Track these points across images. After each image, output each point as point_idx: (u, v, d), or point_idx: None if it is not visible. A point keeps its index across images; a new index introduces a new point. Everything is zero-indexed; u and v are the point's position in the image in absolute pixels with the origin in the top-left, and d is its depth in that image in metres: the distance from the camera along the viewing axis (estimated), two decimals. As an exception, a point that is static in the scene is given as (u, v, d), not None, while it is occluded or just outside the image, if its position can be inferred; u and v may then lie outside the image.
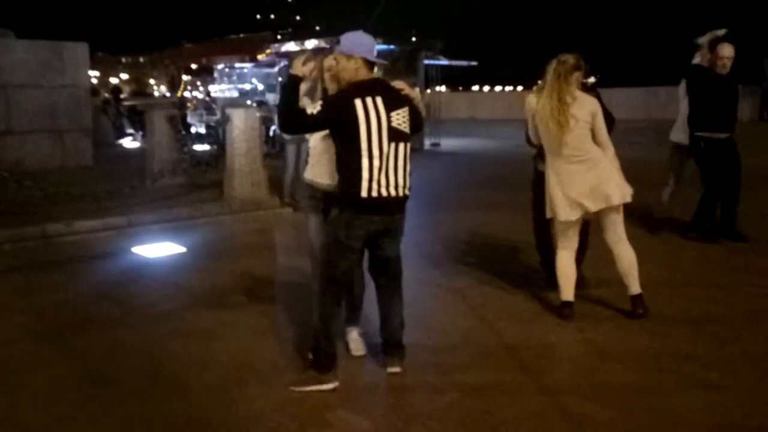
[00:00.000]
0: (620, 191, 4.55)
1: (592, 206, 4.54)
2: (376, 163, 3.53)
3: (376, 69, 3.74)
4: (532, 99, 4.74)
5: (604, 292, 5.13)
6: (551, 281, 5.03)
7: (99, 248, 6.73)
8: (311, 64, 3.67)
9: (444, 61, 19.71)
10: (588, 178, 4.52)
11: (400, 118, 3.62)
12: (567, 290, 4.68)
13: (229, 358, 4.08)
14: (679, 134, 7.12)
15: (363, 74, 3.65)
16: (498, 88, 56.09)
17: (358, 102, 3.52)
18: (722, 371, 3.82)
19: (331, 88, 3.88)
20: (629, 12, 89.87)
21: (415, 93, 3.92)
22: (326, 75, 3.89)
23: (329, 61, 3.86)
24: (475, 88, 56.30)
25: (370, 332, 4.21)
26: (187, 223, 7.67)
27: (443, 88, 38.13)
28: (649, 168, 7.89)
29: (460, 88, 49.68)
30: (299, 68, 3.60)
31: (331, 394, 3.60)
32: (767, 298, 5.13)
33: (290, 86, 3.60)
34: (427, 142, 18.25)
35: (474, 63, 23.81)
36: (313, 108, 3.56)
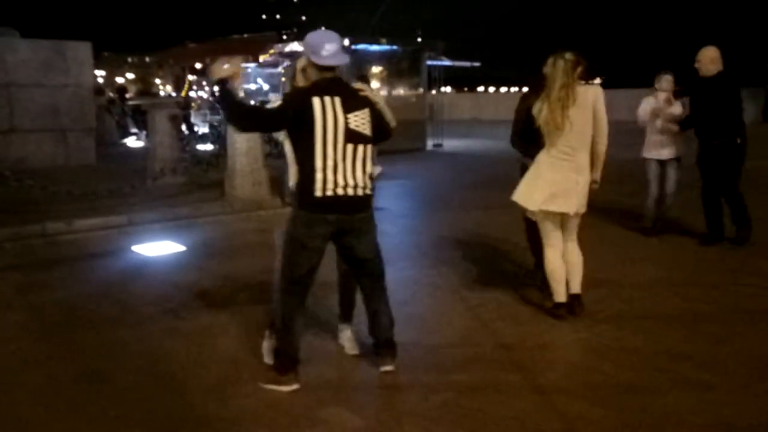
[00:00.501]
0: (583, 205, 4.61)
1: (563, 207, 4.57)
2: (330, 163, 3.50)
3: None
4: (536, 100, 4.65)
5: (599, 292, 5.14)
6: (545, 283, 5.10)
7: (99, 247, 6.77)
8: (230, 66, 3.60)
9: (447, 62, 19.74)
10: (567, 177, 4.54)
11: (359, 120, 3.57)
12: (559, 291, 4.69)
13: (226, 357, 4.11)
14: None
15: (313, 75, 3.61)
16: (503, 89, 56.12)
17: (316, 100, 3.48)
18: (715, 371, 3.84)
19: None
20: (632, 12, 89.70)
21: (378, 97, 3.86)
22: (299, 76, 3.82)
23: (302, 62, 3.82)
24: (481, 89, 56.36)
25: (364, 330, 4.23)
26: (188, 222, 7.71)
27: (448, 89, 38.25)
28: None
29: (465, 89, 49.74)
30: (219, 72, 3.55)
31: (325, 392, 3.63)
32: (763, 299, 5.16)
33: (222, 93, 3.54)
34: (430, 143, 18.31)
35: (477, 64, 23.88)
36: (272, 104, 3.56)
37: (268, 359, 3.87)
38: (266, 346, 3.96)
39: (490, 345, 4.29)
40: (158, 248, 6.78)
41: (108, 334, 4.48)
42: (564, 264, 4.71)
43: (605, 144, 4.60)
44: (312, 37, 3.64)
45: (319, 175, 3.50)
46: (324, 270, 3.89)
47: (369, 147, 3.63)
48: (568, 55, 4.50)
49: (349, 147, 3.54)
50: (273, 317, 3.90)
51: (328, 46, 3.56)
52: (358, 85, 3.84)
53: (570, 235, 4.76)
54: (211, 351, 4.20)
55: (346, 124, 3.52)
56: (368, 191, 3.66)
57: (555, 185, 4.54)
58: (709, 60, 6.45)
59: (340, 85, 3.62)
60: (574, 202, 4.56)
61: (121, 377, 3.83)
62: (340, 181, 3.53)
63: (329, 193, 3.52)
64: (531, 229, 5.34)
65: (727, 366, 3.91)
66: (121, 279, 5.78)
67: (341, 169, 3.52)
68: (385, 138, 3.89)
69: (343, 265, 4.09)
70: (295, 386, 3.64)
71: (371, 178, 3.69)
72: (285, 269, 3.70)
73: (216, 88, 3.58)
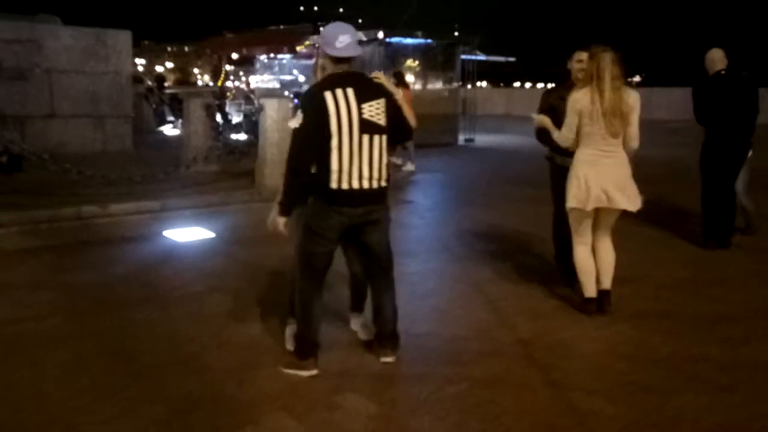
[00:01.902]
0: (635, 200, 4.57)
1: (616, 201, 4.54)
2: (345, 155, 3.52)
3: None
4: (578, 94, 4.58)
5: (622, 291, 5.11)
6: (566, 276, 5.10)
7: (132, 231, 6.93)
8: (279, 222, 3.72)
9: (482, 57, 19.64)
10: (617, 173, 4.53)
11: (373, 110, 3.58)
12: (589, 286, 4.69)
13: (247, 341, 4.21)
14: None
15: (330, 68, 3.64)
16: (539, 85, 55.59)
17: (328, 95, 3.51)
18: (732, 373, 3.81)
19: None
20: (669, 11, 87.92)
21: (395, 89, 3.87)
22: (318, 73, 3.86)
23: (321, 60, 3.84)
24: (516, 84, 55.93)
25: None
26: (218, 209, 7.83)
27: (484, 84, 38.00)
28: (688, 169, 7.72)
29: (501, 84, 49.43)
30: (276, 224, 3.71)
31: (343, 378, 3.69)
32: (787, 303, 5.08)
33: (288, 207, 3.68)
34: (462, 138, 18.26)
35: (512, 59, 23.68)
36: (295, 122, 3.58)
37: (289, 345, 3.95)
38: (288, 332, 4.05)
39: (508, 339, 4.32)
40: (188, 234, 6.93)
41: (135, 315, 4.62)
42: (593, 260, 4.71)
43: (635, 148, 4.60)
44: (327, 29, 3.68)
45: (335, 167, 3.54)
46: (339, 260, 3.97)
47: (384, 137, 3.65)
48: (608, 51, 4.46)
49: (365, 138, 3.56)
50: (292, 304, 3.98)
51: (341, 38, 3.58)
52: (375, 74, 3.87)
53: (605, 232, 4.74)
54: (233, 335, 4.31)
55: (360, 114, 3.54)
56: (383, 183, 3.68)
57: (600, 182, 4.51)
58: (715, 59, 6.50)
59: (353, 77, 3.64)
60: (624, 197, 4.53)
61: (144, 357, 3.95)
62: (355, 173, 3.56)
63: (344, 186, 3.56)
64: (559, 221, 5.33)
65: (746, 369, 3.88)
66: (151, 263, 5.92)
67: (357, 160, 3.55)
68: (404, 137, 3.89)
69: (352, 253, 4.12)
70: (314, 371, 3.71)
71: (388, 168, 3.72)
72: (301, 258, 3.77)
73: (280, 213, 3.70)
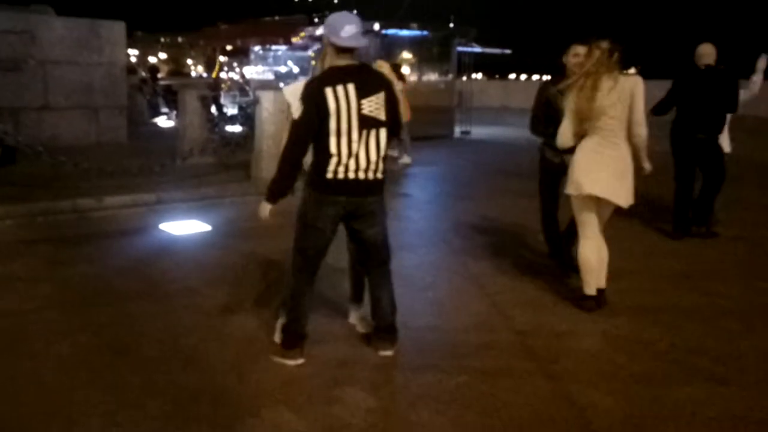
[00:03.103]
0: (630, 196, 4.58)
1: (611, 194, 4.54)
2: (344, 149, 3.54)
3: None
4: (570, 92, 4.58)
5: (621, 284, 5.14)
6: (564, 269, 5.14)
7: (128, 224, 6.91)
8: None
9: (477, 49, 19.59)
10: (617, 165, 4.52)
11: (373, 105, 3.57)
12: (590, 283, 4.67)
13: (246, 334, 4.21)
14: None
15: (332, 57, 3.61)
16: (536, 77, 55.54)
17: (328, 90, 3.50)
18: (730, 365, 3.84)
19: None
20: (665, 2, 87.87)
21: (395, 80, 3.86)
22: (320, 63, 3.84)
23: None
24: (512, 76, 55.85)
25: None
26: (214, 201, 7.82)
27: (479, 76, 37.90)
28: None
29: (497, 76, 49.33)
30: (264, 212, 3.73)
31: (341, 372, 3.70)
32: (784, 296, 5.11)
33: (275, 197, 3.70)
34: (458, 130, 18.23)
35: (507, 51, 23.61)
36: (295, 112, 3.58)
37: (277, 337, 3.96)
38: (278, 324, 4.04)
39: (506, 332, 4.33)
40: (185, 227, 6.91)
41: (133, 308, 4.61)
42: (596, 256, 4.69)
43: (643, 133, 4.56)
44: (333, 18, 3.64)
45: (333, 159, 3.56)
46: (335, 254, 3.97)
47: (383, 131, 3.64)
48: (604, 44, 4.46)
49: (364, 132, 3.57)
50: (284, 295, 3.98)
51: (348, 28, 3.54)
52: (379, 62, 3.86)
53: (600, 227, 4.73)
54: (231, 327, 4.31)
55: (360, 110, 3.53)
56: (380, 175, 3.69)
57: (601, 171, 4.51)
58: (703, 53, 6.55)
59: (354, 70, 3.61)
60: (621, 191, 4.53)
61: (143, 350, 3.95)
62: (352, 165, 3.58)
63: (340, 176, 3.57)
64: (547, 218, 5.36)
65: (743, 361, 3.91)
66: (148, 256, 5.91)
67: (354, 153, 3.57)
68: (393, 132, 3.82)
69: (351, 245, 4.13)
70: (300, 360, 3.77)
71: (384, 161, 3.72)
72: (296, 248, 3.79)
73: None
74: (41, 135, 10.35)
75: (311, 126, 3.55)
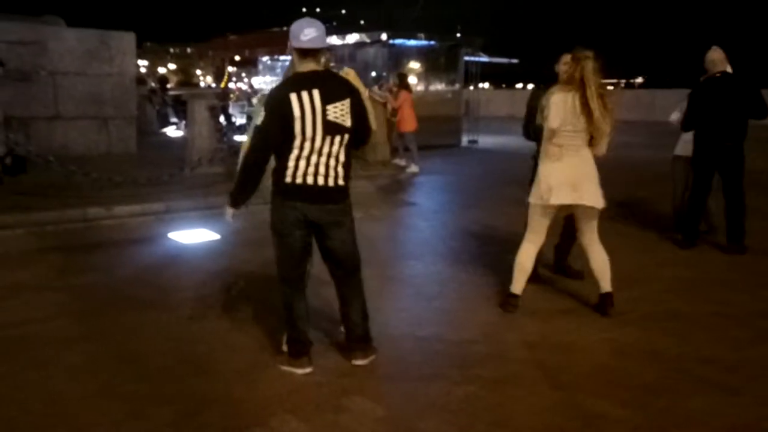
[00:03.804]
0: (598, 196, 4.59)
1: (579, 198, 4.56)
2: (305, 153, 3.54)
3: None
4: (557, 94, 4.59)
5: (630, 293, 5.12)
6: (571, 275, 5.23)
7: (137, 233, 6.94)
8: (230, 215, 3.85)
9: (484, 58, 19.63)
10: (581, 170, 4.56)
11: (338, 111, 3.56)
12: (519, 283, 4.78)
13: (254, 342, 4.22)
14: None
15: (297, 63, 3.61)
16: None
17: (293, 96, 3.49)
18: (740, 375, 3.81)
19: None
20: (671, 12, 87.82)
21: (362, 87, 3.87)
22: (289, 72, 3.86)
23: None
24: (519, 85, 55.84)
25: (380, 320, 4.31)
26: (222, 211, 7.82)
27: (486, 85, 37.96)
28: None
29: (504, 85, 49.39)
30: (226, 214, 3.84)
31: (350, 381, 3.70)
32: (794, 305, 5.07)
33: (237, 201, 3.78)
34: (465, 140, 18.26)
35: (514, 60, 23.63)
36: (258, 119, 3.58)
37: (285, 347, 3.94)
38: (285, 336, 4.00)
39: (515, 341, 4.32)
40: (193, 236, 6.94)
41: (142, 317, 4.62)
42: (534, 262, 4.83)
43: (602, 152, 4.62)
44: (295, 24, 3.63)
45: (291, 163, 3.56)
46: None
47: (347, 137, 3.63)
48: (590, 54, 4.49)
49: (327, 138, 3.56)
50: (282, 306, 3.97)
51: (307, 30, 3.55)
52: (345, 70, 3.88)
53: (591, 235, 4.72)
54: (240, 336, 4.31)
55: (324, 116, 3.53)
56: (341, 182, 3.67)
57: (563, 177, 4.54)
58: (712, 59, 6.46)
59: (319, 76, 3.60)
60: (585, 193, 4.55)
61: (151, 358, 3.96)
62: (311, 170, 3.58)
63: (299, 180, 3.57)
64: (568, 229, 5.36)
65: (753, 371, 3.88)
66: (157, 264, 5.93)
67: (314, 159, 3.57)
68: (362, 139, 3.78)
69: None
70: (308, 369, 3.77)
71: (347, 168, 3.70)
72: (276, 261, 3.83)
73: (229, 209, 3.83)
74: (52, 145, 10.42)
75: (274, 132, 3.54)
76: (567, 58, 4.99)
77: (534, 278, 5.10)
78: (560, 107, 4.48)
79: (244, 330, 4.42)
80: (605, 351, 4.23)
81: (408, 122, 12.74)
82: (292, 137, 3.53)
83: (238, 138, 14.47)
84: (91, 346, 4.10)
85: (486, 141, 18.38)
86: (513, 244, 6.89)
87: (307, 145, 3.54)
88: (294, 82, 3.60)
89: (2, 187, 7.61)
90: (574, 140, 4.53)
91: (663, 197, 8.29)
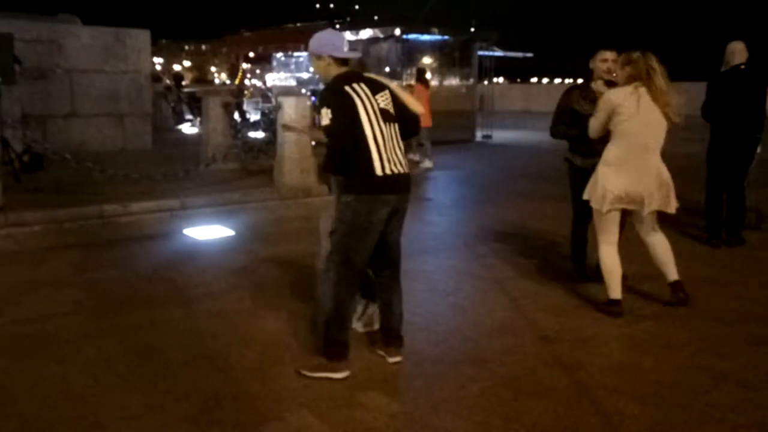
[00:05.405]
0: (673, 201, 4.58)
1: (654, 204, 4.52)
2: (380, 142, 3.60)
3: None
4: (615, 93, 4.54)
5: (646, 287, 5.09)
6: (581, 274, 5.24)
7: (153, 229, 6.98)
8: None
9: (499, 53, 19.54)
10: (657, 174, 4.53)
11: (386, 100, 3.71)
12: (615, 287, 4.62)
13: (269, 338, 4.23)
14: None
15: (334, 71, 3.73)
16: (557, 81, 55.22)
17: (348, 89, 3.61)
18: (759, 371, 3.77)
19: None
20: (687, 5, 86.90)
21: (393, 84, 3.94)
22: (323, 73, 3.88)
23: (321, 65, 3.87)
24: (534, 80, 55.60)
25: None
26: (238, 207, 7.86)
27: (501, 80, 37.82)
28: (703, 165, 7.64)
29: (518, 79, 49.14)
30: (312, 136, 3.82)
31: (364, 376, 3.70)
32: (816, 301, 5.02)
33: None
34: (479, 134, 18.20)
35: (529, 54, 23.53)
36: (326, 119, 3.57)
37: (320, 352, 3.83)
38: (321, 340, 3.91)
39: (530, 337, 4.30)
40: (208, 232, 6.97)
41: (158, 313, 4.65)
42: (619, 260, 4.64)
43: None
44: (329, 36, 3.77)
45: (375, 155, 3.57)
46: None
47: (397, 126, 3.74)
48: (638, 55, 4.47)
49: (386, 126, 3.65)
50: (319, 305, 3.95)
51: (347, 42, 3.83)
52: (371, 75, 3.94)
53: (650, 226, 4.71)
54: (255, 332, 4.33)
55: (378, 104, 3.65)
56: (408, 169, 3.76)
57: (629, 183, 4.49)
58: (733, 52, 6.42)
59: (358, 74, 3.78)
60: (655, 199, 4.51)
61: (168, 354, 3.98)
62: (393, 158, 3.64)
63: (388, 171, 3.60)
64: (579, 223, 5.29)
65: (773, 367, 3.84)
66: (173, 260, 5.96)
67: (390, 147, 3.64)
68: (413, 127, 3.92)
69: None
70: (346, 373, 3.68)
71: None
72: (343, 258, 3.68)
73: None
74: (68, 142, 10.53)
75: (344, 123, 3.57)
76: (605, 54, 4.92)
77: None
78: (609, 110, 4.45)
79: (260, 325, 4.44)
80: (622, 346, 4.20)
81: (423, 118, 12.70)
82: (362, 125, 3.57)
83: (252, 134, 14.56)
84: (108, 342, 4.13)
85: (500, 136, 18.30)
86: (529, 238, 6.93)
87: (378, 132, 3.60)
88: (341, 79, 3.70)
89: (20, 185, 7.68)
90: (640, 140, 4.47)
91: (678, 194, 8.20)
